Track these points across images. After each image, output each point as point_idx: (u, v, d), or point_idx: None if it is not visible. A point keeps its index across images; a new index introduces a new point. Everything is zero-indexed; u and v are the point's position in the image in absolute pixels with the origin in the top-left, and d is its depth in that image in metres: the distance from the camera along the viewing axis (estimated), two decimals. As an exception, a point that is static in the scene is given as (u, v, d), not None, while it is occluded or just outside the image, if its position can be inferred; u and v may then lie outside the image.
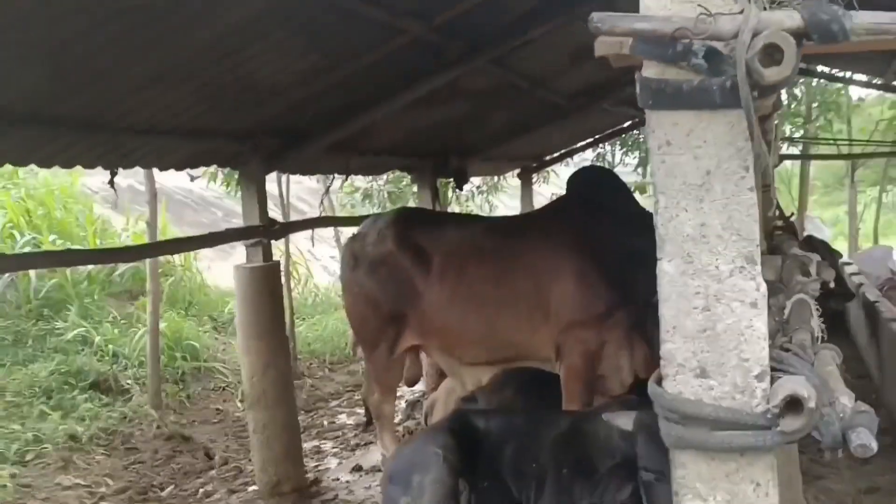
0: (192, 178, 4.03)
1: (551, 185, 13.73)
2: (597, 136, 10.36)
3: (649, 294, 4.60)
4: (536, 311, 4.74)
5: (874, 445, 1.30)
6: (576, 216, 4.86)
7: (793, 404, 1.33)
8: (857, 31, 1.31)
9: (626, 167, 12.24)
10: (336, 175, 6.15)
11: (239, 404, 8.01)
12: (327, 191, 6.47)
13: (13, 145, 3.54)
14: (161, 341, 7.38)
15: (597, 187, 5.01)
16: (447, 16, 4.20)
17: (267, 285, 5.11)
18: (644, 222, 5.12)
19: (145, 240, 9.61)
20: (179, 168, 5.04)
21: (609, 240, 4.77)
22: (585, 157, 12.15)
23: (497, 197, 12.71)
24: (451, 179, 7.99)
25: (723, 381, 1.40)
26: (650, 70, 1.41)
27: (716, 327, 1.40)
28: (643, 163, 11.18)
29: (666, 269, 1.43)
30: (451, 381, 6.16)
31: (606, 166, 11.77)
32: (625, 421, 3.24)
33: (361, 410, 8.35)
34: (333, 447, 6.94)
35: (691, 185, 1.40)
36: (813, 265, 3.08)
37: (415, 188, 10.61)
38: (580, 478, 3.58)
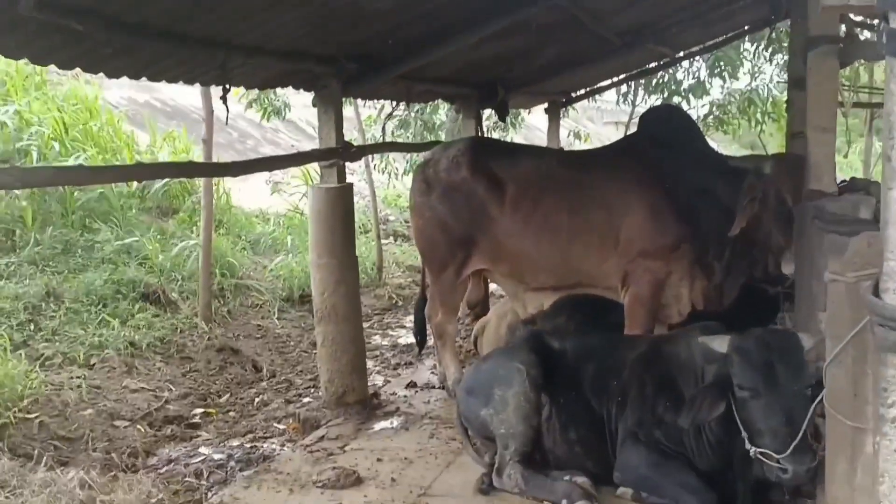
0: (224, 94, 4.12)
1: (563, 123, 13.88)
2: (626, 75, 10.47)
3: (711, 225, 4.85)
4: (608, 240, 4.99)
5: None
6: (647, 152, 5.07)
7: None
8: None
9: (648, 107, 12.38)
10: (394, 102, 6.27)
11: (277, 321, 8.29)
12: (389, 116, 6.59)
13: (140, 59, 3.68)
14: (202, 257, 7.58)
15: (669, 125, 5.21)
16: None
17: (341, 205, 5.29)
18: (712, 162, 5.39)
19: (190, 157, 9.76)
20: (263, 87, 5.16)
21: (678, 176, 5.00)
22: (608, 99, 12.27)
23: (514, 133, 12.81)
24: (493, 111, 8.13)
25: (939, 295, 1.64)
26: (897, 22, 1.61)
27: (938, 248, 1.63)
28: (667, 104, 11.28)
29: (894, 196, 1.65)
30: (501, 305, 6.44)
31: (630, 105, 11.90)
32: (719, 343, 3.50)
33: (394, 332, 8.69)
34: (375, 366, 7.23)
35: (927, 125, 1.61)
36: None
37: (440, 118, 10.80)
38: (663, 395, 3.88)
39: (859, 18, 6.11)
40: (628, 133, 12.60)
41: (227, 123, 5.26)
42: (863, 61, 8.62)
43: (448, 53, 5.45)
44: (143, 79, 3.96)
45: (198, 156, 10.49)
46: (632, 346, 4.27)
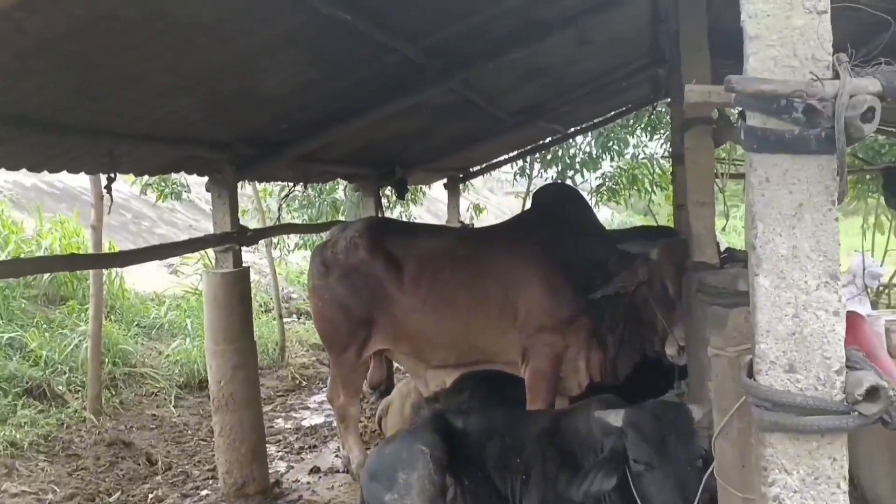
0: (109, 183, 4.06)
1: (465, 196, 14.16)
2: (521, 150, 10.81)
3: (606, 305, 4.98)
4: (506, 316, 5.06)
5: (937, 424, 1.66)
6: (541, 228, 5.22)
7: (871, 392, 1.66)
8: (917, 96, 1.66)
9: (544, 181, 12.77)
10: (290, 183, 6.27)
11: (173, 409, 7.95)
12: (286, 197, 6.56)
13: (19, 150, 3.56)
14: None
15: (561, 202, 5.38)
16: (434, 38, 4.45)
17: (237, 290, 5.20)
18: (603, 239, 5.56)
19: (85, 245, 9.39)
20: (154, 174, 5.06)
21: (572, 251, 5.15)
22: (506, 171, 12.62)
23: (415, 207, 12.97)
24: (392, 188, 8.22)
25: (808, 375, 1.72)
26: (754, 119, 1.72)
27: (803, 331, 1.72)
28: (561, 177, 11.69)
29: (762, 282, 1.74)
30: (405, 385, 6.38)
31: (527, 179, 12.26)
32: (614, 417, 3.56)
33: (297, 414, 8.48)
34: (277, 451, 7.01)
35: (785, 215, 1.72)
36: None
37: (339, 195, 10.82)
38: (565, 470, 3.89)
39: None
40: (525, 206, 13.02)
41: (108, 213, 5.11)
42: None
43: (345, 135, 5.51)
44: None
45: (89, 240, 10.19)
46: (533, 421, 4.29)
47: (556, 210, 5.30)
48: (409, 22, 4.09)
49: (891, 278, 11.34)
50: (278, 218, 6.86)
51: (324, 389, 9.07)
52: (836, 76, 1.65)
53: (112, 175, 3.96)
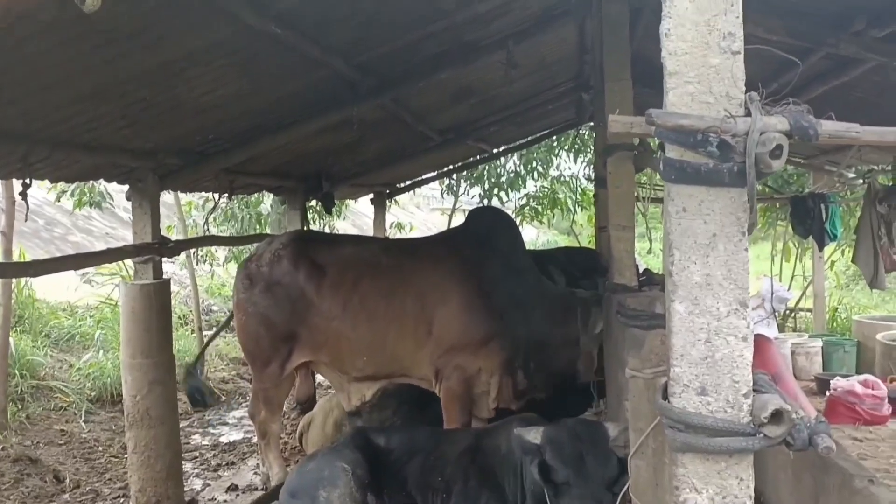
0: (24, 189, 3.95)
1: (391, 212, 14.17)
2: (448, 168, 10.90)
3: (524, 328, 5.11)
4: (421, 329, 5.09)
5: (834, 446, 1.75)
6: (468, 248, 5.28)
7: (776, 415, 1.74)
8: (822, 134, 1.76)
9: (470, 198, 12.91)
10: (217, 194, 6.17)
11: (83, 425, 7.68)
12: (213, 210, 6.45)
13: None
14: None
15: (492, 226, 5.46)
16: (366, 55, 4.47)
17: (157, 302, 5.06)
18: (526, 267, 5.67)
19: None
20: (72, 181, 4.92)
21: (494, 275, 5.23)
22: (433, 187, 12.70)
23: (340, 221, 12.92)
24: (318, 202, 8.17)
25: (718, 398, 1.79)
26: (673, 152, 1.80)
27: (714, 356, 1.80)
28: (487, 196, 11.84)
29: (677, 308, 1.81)
30: (327, 401, 6.33)
31: (453, 196, 12.36)
32: (533, 435, 3.62)
33: (215, 430, 8.30)
34: (194, 468, 6.85)
35: (700, 244, 1.79)
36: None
37: (263, 208, 10.68)
38: (486, 488, 3.94)
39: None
40: (452, 223, 13.11)
41: (26, 220, 4.93)
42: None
43: (272, 148, 5.46)
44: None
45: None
46: (454, 440, 4.33)
47: (486, 233, 5.38)
48: (340, 39, 4.10)
49: (797, 302, 11.84)
50: (206, 230, 6.73)
51: (244, 405, 8.91)
52: (749, 113, 1.74)
53: (27, 181, 3.82)
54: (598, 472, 3.35)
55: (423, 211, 26.83)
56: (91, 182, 7.46)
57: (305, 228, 7.76)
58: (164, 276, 5.24)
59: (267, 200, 10.08)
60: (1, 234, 6.51)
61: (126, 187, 5.12)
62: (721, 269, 1.79)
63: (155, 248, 5.00)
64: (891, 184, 7.31)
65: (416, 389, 5.59)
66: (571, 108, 9.00)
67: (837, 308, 11.93)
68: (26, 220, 5.09)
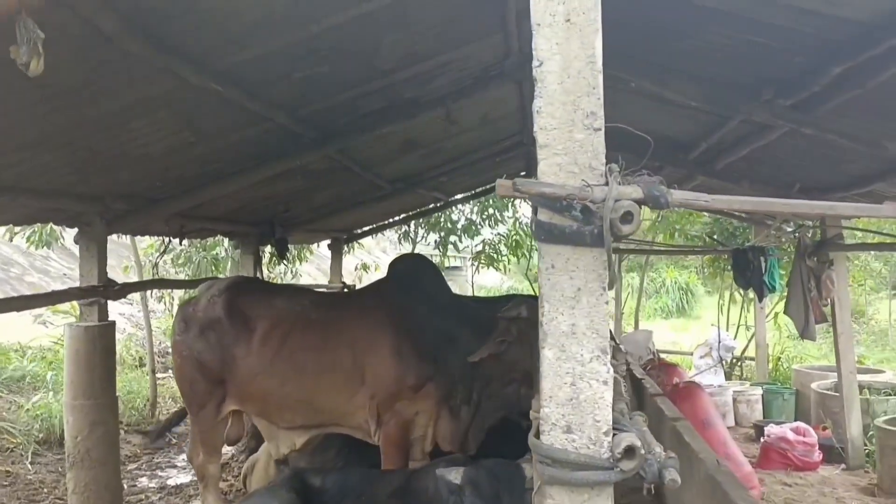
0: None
1: (356, 254, 14.37)
2: (404, 215, 11.14)
3: (459, 363, 5.22)
4: (353, 381, 5.19)
5: (679, 480, 1.95)
6: (394, 297, 5.43)
7: (629, 451, 1.94)
8: (673, 202, 2.00)
9: (427, 245, 13.14)
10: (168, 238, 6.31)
11: (29, 466, 7.66)
12: (163, 253, 6.57)
13: None
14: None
15: (415, 273, 5.64)
16: (309, 109, 4.69)
17: (101, 344, 5.17)
18: (454, 307, 5.83)
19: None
20: (19, 224, 5.04)
21: (422, 320, 5.37)
22: (390, 233, 12.92)
23: (302, 265, 13.06)
24: (272, 247, 8.34)
25: (581, 435, 2.00)
26: (543, 215, 2.02)
27: (579, 397, 2.00)
28: (444, 242, 12.08)
29: (547, 354, 2.02)
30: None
31: (410, 242, 12.58)
32: (454, 475, 3.78)
33: (163, 473, 8.29)
34: (128, 511, 6.86)
35: (567, 297, 2.01)
36: (617, 351, 3.84)
37: (219, 251, 10.81)
38: (413, 528, 4.07)
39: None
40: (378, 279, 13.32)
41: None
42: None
43: (221, 195, 5.64)
44: None
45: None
46: (386, 481, 4.46)
47: (410, 280, 5.54)
48: (282, 94, 4.32)
49: (743, 351, 12.17)
50: (155, 273, 6.84)
51: (193, 448, 8.93)
52: (606, 183, 1.97)
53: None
54: (512, 511, 3.52)
55: (389, 254, 27.01)
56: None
57: (257, 274, 7.91)
58: (113, 319, 5.35)
59: (223, 244, 10.22)
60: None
61: (75, 230, 5.25)
62: (585, 319, 2.01)
63: (100, 291, 5.12)
64: (818, 239, 7.67)
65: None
66: (522, 159, 9.30)
67: (780, 357, 12.28)
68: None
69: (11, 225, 4.86)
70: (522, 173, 10.48)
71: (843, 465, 7.79)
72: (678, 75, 4.74)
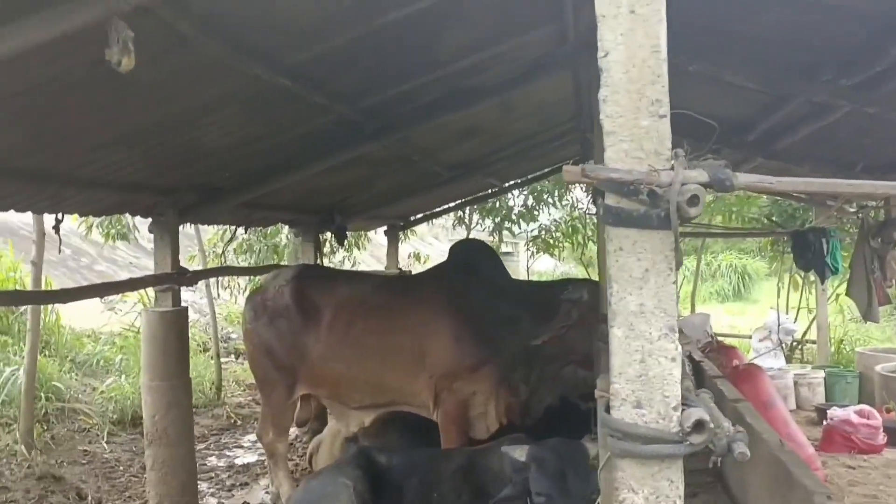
0: (58, 224, 4.35)
1: (409, 243, 14.52)
2: (459, 201, 11.24)
3: (517, 343, 5.31)
4: (415, 363, 5.37)
5: (748, 453, 2.03)
6: (453, 281, 5.57)
7: (698, 425, 2.02)
8: (738, 185, 2.07)
9: (482, 231, 13.23)
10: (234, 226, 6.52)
11: (105, 446, 8.01)
12: (230, 242, 6.81)
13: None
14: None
15: (474, 257, 5.76)
16: (370, 101, 4.82)
17: (175, 329, 5.40)
18: (512, 290, 5.95)
19: (21, 280, 9.40)
20: (98, 215, 5.29)
21: (481, 303, 5.50)
22: (450, 218, 13.04)
23: (359, 252, 13.27)
24: (332, 234, 8.52)
25: (651, 410, 2.08)
26: (611, 199, 2.10)
27: (648, 374, 2.08)
28: (498, 228, 12.15)
29: (616, 333, 2.10)
30: (335, 423, 6.61)
31: (465, 228, 12.68)
32: (519, 453, 3.89)
33: (231, 453, 8.60)
34: (209, 488, 7.15)
35: (635, 278, 2.09)
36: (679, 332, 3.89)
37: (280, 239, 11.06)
38: (478, 504, 4.20)
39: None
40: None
41: (59, 252, 5.31)
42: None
43: (284, 185, 5.81)
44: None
45: (27, 275, 10.22)
46: (450, 459, 4.59)
47: (469, 264, 5.66)
48: (345, 87, 4.45)
49: (804, 334, 12.00)
50: (223, 261, 7.08)
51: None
52: (673, 168, 2.05)
53: (59, 217, 4.18)
54: (578, 489, 3.60)
55: (442, 241, 27.16)
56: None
57: (317, 261, 8.10)
58: (183, 305, 5.58)
59: (283, 232, 10.46)
60: (31, 264, 6.90)
61: (149, 220, 5.49)
62: (653, 299, 2.09)
63: (174, 278, 5.35)
64: (883, 220, 7.53)
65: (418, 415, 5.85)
66: (576, 144, 9.31)
67: (843, 340, 12.07)
68: (59, 252, 5.46)
69: (91, 216, 5.08)
70: (576, 158, 10.50)
71: (908, 448, 7.68)
72: (736, 57, 4.73)
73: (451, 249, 6.04)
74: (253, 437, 9.10)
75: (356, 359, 5.36)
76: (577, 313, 5.24)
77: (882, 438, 7.55)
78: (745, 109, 6.19)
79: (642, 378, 2.10)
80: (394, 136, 5.45)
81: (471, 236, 13.33)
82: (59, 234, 4.25)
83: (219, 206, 5.61)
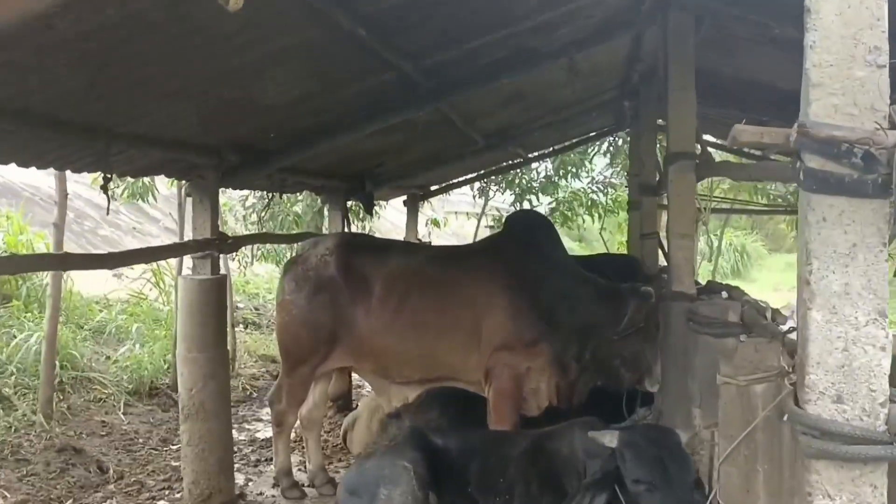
0: (106, 183, 4.04)
1: (422, 211, 14.20)
2: (481, 172, 10.93)
3: (572, 323, 5.11)
4: (471, 337, 5.13)
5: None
6: (511, 253, 5.32)
7: (914, 425, 1.77)
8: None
9: (502, 202, 12.94)
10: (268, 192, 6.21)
11: (123, 417, 7.74)
12: (266, 208, 6.49)
13: (10, 146, 3.49)
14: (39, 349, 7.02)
15: (532, 230, 5.49)
16: (433, 59, 4.51)
17: (214, 297, 5.12)
18: (569, 266, 5.70)
19: (30, 244, 9.07)
20: (137, 175, 4.98)
21: (538, 278, 5.27)
22: (463, 193, 12.75)
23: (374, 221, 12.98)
24: (358, 202, 8.22)
25: (854, 406, 1.82)
26: (814, 162, 1.82)
27: (852, 364, 1.82)
28: (518, 199, 11.87)
29: (815, 316, 1.84)
30: (372, 399, 6.36)
31: (483, 199, 12.40)
32: (609, 438, 3.63)
33: (251, 426, 8.35)
34: (234, 463, 6.89)
35: (840, 254, 1.82)
36: (768, 310, 3.64)
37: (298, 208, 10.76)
38: (548, 491, 3.95)
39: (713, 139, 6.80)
40: (480, 226, 13.16)
41: (108, 214, 5.00)
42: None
43: (328, 148, 5.50)
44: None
45: (36, 237, 9.88)
46: (514, 442, 4.33)
47: (526, 236, 5.41)
48: (412, 42, 4.15)
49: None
50: (260, 228, 6.76)
51: (276, 402, 8.98)
52: (892, 126, 1.76)
53: (108, 175, 3.87)
54: (679, 476, 3.35)
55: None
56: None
57: (345, 229, 7.81)
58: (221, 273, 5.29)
59: (300, 202, 10.14)
60: (53, 225, 6.58)
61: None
62: (860, 279, 1.82)
63: (215, 244, 5.05)
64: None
65: (461, 391, 5.63)
66: (611, 114, 9.03)
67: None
68: (108, 214, 5.14)
69: (128, 176, 4.77)
70: (606, 128, 10.22)
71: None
72: None
73: (508, 220, 5.77)
74: (271, 409, 8.87)
75: (410, 332, 5.10)
76: (644, 312, 5.04)
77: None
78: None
79: (844, 369, 1.84)
80: (448, 98, 5.15)
81: (486, 209, 13.07)
82: (107, 194, 3.93)
83: (260, 169, 5.29)
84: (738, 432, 2.71)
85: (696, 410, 3.78)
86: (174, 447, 6.93)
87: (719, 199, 10.90)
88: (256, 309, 13.29)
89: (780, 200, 11.65)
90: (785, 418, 1.94)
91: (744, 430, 2.68)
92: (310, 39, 3.52)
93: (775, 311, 3.65)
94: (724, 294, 4.68)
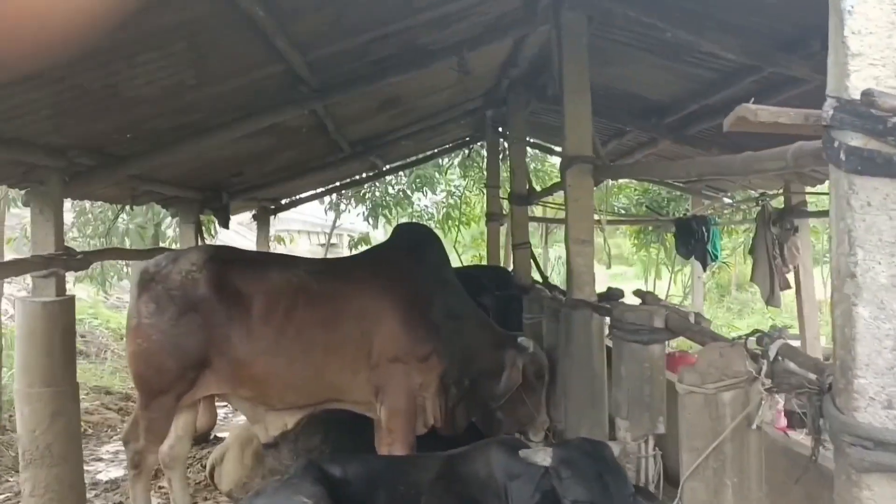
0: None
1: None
2: (336, 184, 10.52)
3: (458, 342, 4.95)
4: (362, 351, 4.78)
5: None
6: (400, 265, 5.04)
7: (976, 431, 1.61)
8: None
9: (356, 216, 12.55)
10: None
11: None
12: (115, 219, 5.73)
13: None
14: None
15: (418, 242, 5.22)
16: (321, 52, 4.12)
17: (61, 323, 4.40)
18: (456, 285, 5.53)
19: None
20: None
21: (428, 292, 5.02)
22: (311, 214, 12.27)
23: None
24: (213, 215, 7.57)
25: (907, 411, 1.64)
26: (857, 140, 1.64)
27: (904, 365, 1.64)
28: (372, 214, 11.57)
29: (861, 313, 1.64)
30: (243, 431, 5.76)
31: (335, 213, 11.99)
32: (542, 457, 3.36)
33: (90, 467, 7.43)
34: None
35: (886, 242, 1.64)
36: (691, 314, 3.54)
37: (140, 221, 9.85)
38: (468, 518, 3.64)
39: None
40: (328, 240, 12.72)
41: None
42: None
43: (190, 153, 4.93)
44: None
45: None
46: (424, 467, 3.98)
47: (414, 247, 5.14)
48: (307, 30, 3.74)
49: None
50: (108, 242, 5.96)
51: (115, 438, 8.06)
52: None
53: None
54: (618, 491, 3.13)
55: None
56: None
57: (198, 244, 7.14)
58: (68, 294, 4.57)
59: (147, 214, 9.25)
60: None
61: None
62: (911, 269, 1.65)
63: (62, 261, 4.33)
64: (782, 207, 7.70)
65: (345, 414, 5.22)
66: (470, 125, 8.93)
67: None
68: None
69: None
70: (459, 140, 10.14)
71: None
72: (715, 24, 4.47)
73: (396, 230, 5.42)
74: (112, 447, 7.97)
75: (297, 351, 4.60)
76: (521, 365, 4.97)
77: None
78: (679, 88, 6.02)
79: (895, 371, 1.66)
80: (333, 97, 4.74)
81: (339, 223, 12.64)
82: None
83: (113, 174, 4.62)
84: (705, 444, 2.52)
85: (623, 422, 3.60)
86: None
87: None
88: (83, 336, 12.10)
89: (622, 212, 12.04)
90: (754, 426, 1.73)
91: (711, 441, 2.49)
92: (197, 19, 3.03)
93: (698, 315, 3.54)
94: (623, 300, 4.59)
